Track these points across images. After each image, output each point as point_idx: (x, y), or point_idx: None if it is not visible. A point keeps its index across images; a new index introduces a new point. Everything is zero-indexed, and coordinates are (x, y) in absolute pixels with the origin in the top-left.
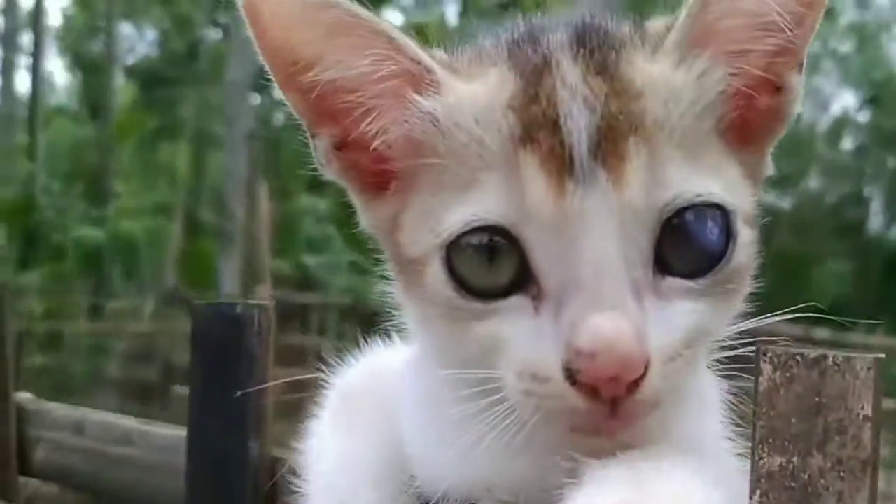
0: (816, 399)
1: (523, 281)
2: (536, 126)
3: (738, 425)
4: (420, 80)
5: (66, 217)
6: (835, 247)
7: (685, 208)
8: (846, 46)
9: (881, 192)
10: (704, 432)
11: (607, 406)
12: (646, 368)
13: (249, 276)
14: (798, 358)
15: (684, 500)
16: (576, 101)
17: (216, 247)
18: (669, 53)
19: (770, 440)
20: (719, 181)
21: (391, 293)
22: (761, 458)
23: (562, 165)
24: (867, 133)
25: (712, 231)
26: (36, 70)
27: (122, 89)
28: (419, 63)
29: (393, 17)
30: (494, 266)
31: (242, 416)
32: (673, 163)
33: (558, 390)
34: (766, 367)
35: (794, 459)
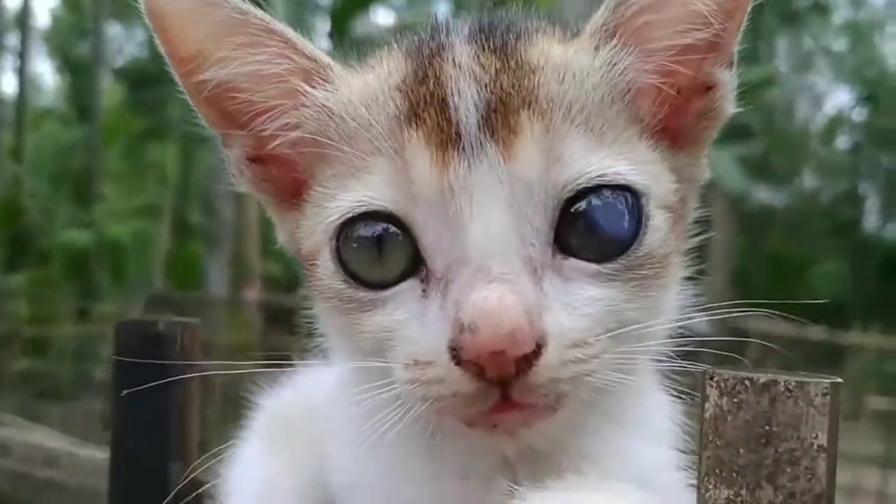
0: (766, 427)
1: (414, 266)
2: (423, 105)
3: (693, 452)
4: (315, 76)
5: (53, 220)
6: (829, 246)
7: (588, 189)
8: (840, 44)
9: (876, 190)
10: (650, 460)
11: (496, 389)
12: (539, 347)
13: (238, 278)
14: (746, 382)
15: None
16: (464, 77)
17: (204, 248)
18: (579, 41)
19: (717, 471)
20: (627, 162)
21: (311, 310)
22: (707, 491)
23: (448, 140)
24: (862, 131)
25: (620, 213)
26: (22, 71)
27: (109, 91)
28: (314, 60)
29: (383, 17)
30: (384, 255)
31: (165, 437)
32: (573, 140)
33: (442, 373)
34: (713, 392)
35: (743, 492)
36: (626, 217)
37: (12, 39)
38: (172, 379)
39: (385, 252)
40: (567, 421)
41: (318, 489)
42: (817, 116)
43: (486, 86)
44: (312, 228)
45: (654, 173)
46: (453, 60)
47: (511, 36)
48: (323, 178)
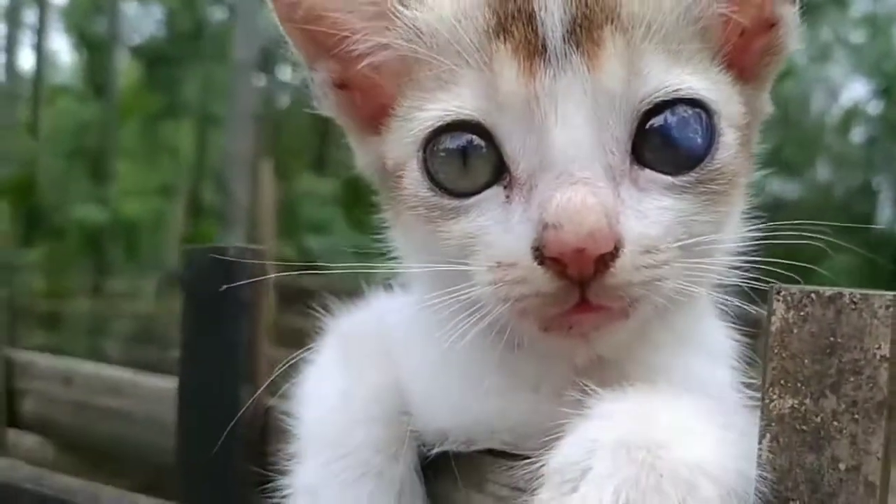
0: (831, 339)
1: (498, 173)
2: (511, 19)
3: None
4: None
5: (68, 196)
6: (842, 239)
7: (665, 103)
8: (858, 37)
9: (890, 184)
10: (712, 378)
11: (575, 290)
12: (616, 250)
13: None
14: (813, 296)
15: (690, 439)
16: None
17: (218, 228)
18: None
19: (782, 382)
20: (703, 80)
21: (388, 233)
22: (772, 401)
23: (534, 52)
24: (877, 124)
25: (694, 129)
26: (40, 48)
27: (126, 69)
28: None
29: None
30: (469, 165)
31: (234, 363)
32: (652, 56)
33: (524, 273)
34: (780, 306)
35: (807, 401)
36: (700, 132)
37: (30, 16)
38: (241, 304)
39: (470, 162)
40: (637, 329)
41: (393, 398)
42: (833, 108)
43: (570, 1)
44: (399, 141)
45: (726, 94)
46: None
47: None
48: (410, 93)
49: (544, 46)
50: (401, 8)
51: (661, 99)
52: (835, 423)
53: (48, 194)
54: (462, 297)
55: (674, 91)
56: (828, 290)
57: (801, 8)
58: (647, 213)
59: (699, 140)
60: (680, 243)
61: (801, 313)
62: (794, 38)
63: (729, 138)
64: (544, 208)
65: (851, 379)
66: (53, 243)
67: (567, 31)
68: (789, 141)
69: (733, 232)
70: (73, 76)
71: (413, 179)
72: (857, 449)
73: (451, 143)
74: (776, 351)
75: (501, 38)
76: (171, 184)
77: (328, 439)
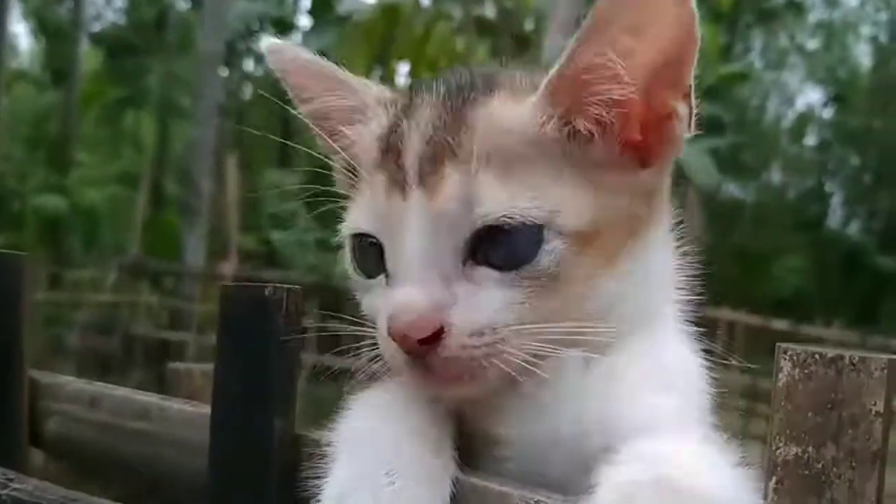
0: (833, 395)
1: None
2: (387, 153)
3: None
4: (360, 114)
5: (27, 184)
6: (794, 241)
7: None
8: (813, 43)
9: (841, 188)
10: (645, 408)
11: (418, 360)
12: (441, 333)
13: (215, 250)
14: (817, 356)
15: (713, 473)
16: (415, 133)
17: (181, 220)
18: (529, 98)
19: (787, 431)
20: (531, 199)
21: None
22: (778, 448)
23: (398, 182)
24: (830, 130)
25: (521, 239)
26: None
27: (87, 56)
28: (364, 101)
29: None
30: (370, 258)
31: (268, 397)
32: (486, 184)
33: (386, 344)
34: (786, 364)
35: (809, 450)
36: (526, 241)
37: None
38: (279, 342)
39: (369, 254)
40: (492, 385)
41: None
42: (788, 114)
43: (427, 141)
44: (346, 220)
45: (567, 207)
46: (416, 117)
47: (471, 94)
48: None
49: (404, 178)
50: (352, 126)
51: (490, 223)
52: (834, 469)
53: (6, 182)
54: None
55: (502, 215)
56: (830, 353)
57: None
58: (478, 303)
59: (523, 248)
60: (513, 326)
61: (806, 371)
62: (686, 128)
63: (553, 246)
64: (390, 302)
65: (850, 431)
66: (11, 232)
67: (419, 165)
68: (746, 145)
69: (589, 309)
70: (31, 62)
71: (348, 259)
72: (854, 493)
73: (359, 241)
74: (782, 404)
75: (380, 169)
76: (131, 172)
77: (374, 453)
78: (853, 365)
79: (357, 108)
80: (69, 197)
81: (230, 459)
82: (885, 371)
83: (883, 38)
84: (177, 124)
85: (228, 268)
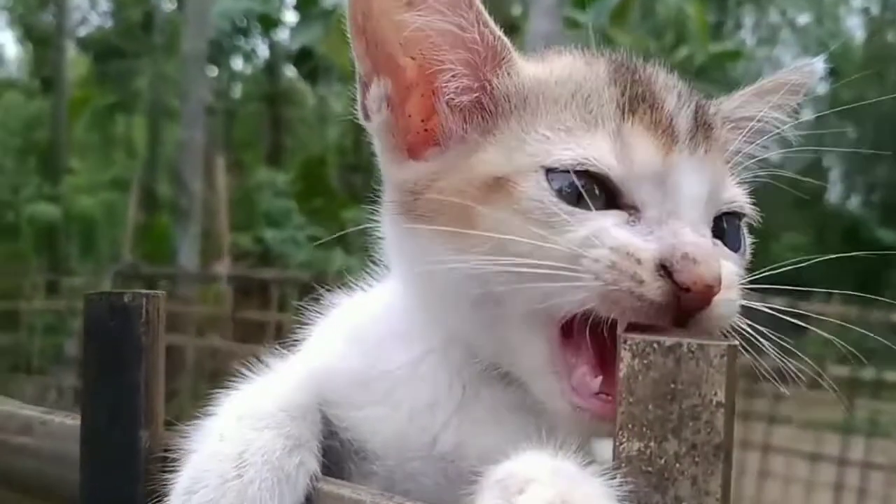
0: (672, 385)
1: (614, 207)
2: (637, 102)
3: None
4: (504, 53)
5: (20, 194)
6: (793, 217)
7: (730, 212)
8: (805, 17)
9: (840, 162)
10: None
11: (669, 315)
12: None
13: (208, 251)
14: (655, 345)
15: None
16: (674, 93)
17: (173, 222)
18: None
19: (629, 425)
20: (745, 199)
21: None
22: (621, 444)
23: (666, 134)
24: (826, 104)
25: (735, 231)
26: None
27: (75, 62)
28: (501, 39)
29: None
30: (581, 202)
31: (133, 408)
32: (727, 173)
33: (643, 274)
34: (626, 354)
35: (651, 444)
36: (737, 232)
37: None
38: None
39: (582, 199)
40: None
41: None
42: None
43: (689, 106)
44: (508, 160)
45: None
46: (656, 78)
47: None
48: (514, 127)
49: (675, 135)
50: (512, 61)
51: (732, 208)
52: (677, 465)
53: None
54: (549, 289)
55: (738, 206)
56: (668, 340)
57: None
58: (725, 266)
59: (736, 237)
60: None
61: (645, 361)
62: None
63: (748, 241)
64: (681, 240)
65: (691, 423)
66: (6, 242)
67: (690, 128)
68: None
69: None
70: (19, 70)
71: (534, 191)
72: (698, 490)
73: (575, 181)
74: (624, 396)
75: (632, 115)
76: (124, 177)
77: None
78: (691, 352)
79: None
80: (63, 204)
81: (99, 474)
82: (725, 358)
83: (875, 9)
84: (167, 126)
85: (222, 268)
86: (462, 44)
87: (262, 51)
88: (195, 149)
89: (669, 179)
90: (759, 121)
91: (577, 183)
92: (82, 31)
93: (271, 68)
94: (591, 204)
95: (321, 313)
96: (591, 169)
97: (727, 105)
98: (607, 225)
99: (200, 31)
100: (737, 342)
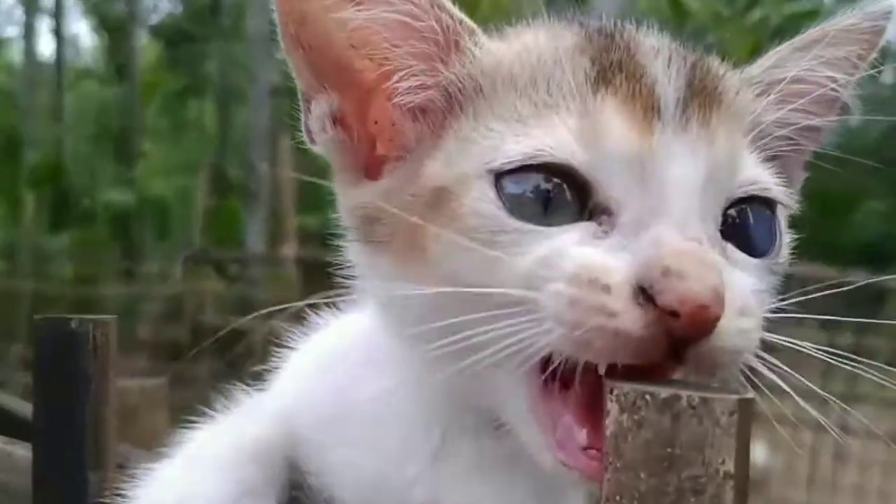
0: (669, 449)
1: (583, 213)
2: (614, 71)
3: None
4: (462, 38)
5: (95, 180)
6: (876, 183)
7: (749, 196)
8: None
9: None
10: None
11: (664, 343)
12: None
13: (274, 233)
14: (647, 397)
15: None
16: (660, 58)
17: (242, 204)
18: (742, 76)
19: (617, 497)
20: (776, 182)
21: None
22: None
23: (647, 109)
24: None
25: (763, 226)
26: (59, 32)
27: (146, 48)
28: (458, 21)
29: None
30: (552, 203)
31: (80, 444)
32: (745, 149)
33: (616, 305)
34: (613, 408)
35: None
36: (764, 228)
37: (48, 0)
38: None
39: (553, 202)
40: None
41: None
42: None
43: (681, 73)
44: (452, 165)
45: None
46: (639, 41)
47: (693, 50)
48: (466, 124)
49: (657, 105)
50: (457, 51)
51: (752, 192)
52: None
53: (75, 179)
54: (509, 330)
55: (764, 188)
56: (663, 392)
57: None
58: (738, 283)
59: (763, 235)
60: (762, 314)
61: (636, 417)
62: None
63: (787, 238)
64: (661, 249)
65: (693, 499)
66: (82, 228)
67: (681, 98)
68: None
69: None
70: (94, 59)
71: (479, 203)
72: None
73: (533, 182)
74: (611, 460)
75: (604, 88)
76: (196, 161)
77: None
78: (692, 408)
79: (456, 28)
80: (136, 190)
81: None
82: (736, 416)
83: None
84: (237, 109)
85: (290, 250)
86: (415, 34)
87: None
88: (262, 130)
89: (650, 165)
90: (797, 80)
91: (538, 186)
92: (154, 19)
93: None
94: (557, 211)
95: (295, 343)
96: (548, 160)
97: (757, 65)
98: (567, 244)
99: (265, 11)
100: (751, 394)
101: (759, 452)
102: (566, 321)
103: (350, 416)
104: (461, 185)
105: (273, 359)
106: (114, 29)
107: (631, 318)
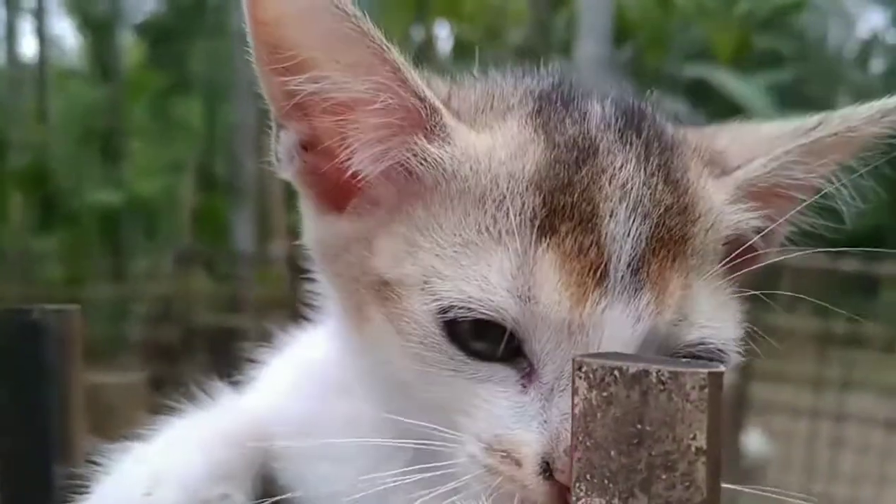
0: (638, 426)
1: (511, 356)
2: (564, 218)
3: None
4: (423, 122)
5: (82, 180)
6: (869, 175)
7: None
8: None
9: None
10: None
11: None
12: None
13: (263, 232)
14: (616, 373)
15: None
16: (626, 203)
17: (229, 202)
18: (731, 187)
19: (588, 476)
20: (730, 322)
21: (322, 297)
22: (579, 500)
23: (591, 272)
24: None
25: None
26: (41, 32)
27: (131, 48)
28: (423, 101)
29: None
30: (480, 340)
31: (45, 437)
32: (701, 298)
33: (526, 479)
34: (581, 385)
35: (615, 502)
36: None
37: (30, 0)
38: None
39: (482, 338)
40: None
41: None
42: (850, 41)
43: (647, 220)
44: (397, 264)
45: (736, 323)
46: (612, 174)
47: (669, 153)
48: (416, 216)
49: (605, 270)
50: (425, 144)
51: (695, 353)
52: None
53: (61, 180)
54: (435, 464)
55: (707, 350)
56: (632, 366)
57: None
58: None
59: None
60: None
61: (605, 394)
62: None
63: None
64: (567, 420)
65: (663, 476)
66: (70, 229)
67: (637, 256)
68: (809, 76)
69: None
70: (79, 59)
71: (416, 316)
72: None
73: (469, 328)
74: (580, 439)
75: (547, 239)
76: (183, 160)
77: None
78: (662, 383)
79: (414, 110)
80: (123, 189)
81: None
82: (707, 389)
83: None
84: (223, 107)
85: (279, 247)
86: (377, 111)
87: None
88: (248, 127)
89: (579, 335)
90: (805, 188)
91: (474, 321)
92: (138, 18)
93: None
94: (487, 343)
95: (275, 349)
96: (478, 317)
97: (761, 165)
98: (490, 395)
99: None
100: (722, 368)
101: (755, 441)
102: (481, 482)
103: (323, 430)
104: (403, 289)
105: (247, 371)
106: (98, 28)
107: (537, 492)
